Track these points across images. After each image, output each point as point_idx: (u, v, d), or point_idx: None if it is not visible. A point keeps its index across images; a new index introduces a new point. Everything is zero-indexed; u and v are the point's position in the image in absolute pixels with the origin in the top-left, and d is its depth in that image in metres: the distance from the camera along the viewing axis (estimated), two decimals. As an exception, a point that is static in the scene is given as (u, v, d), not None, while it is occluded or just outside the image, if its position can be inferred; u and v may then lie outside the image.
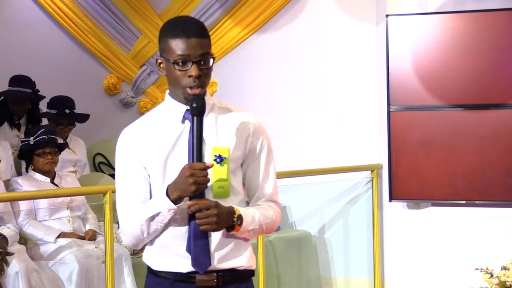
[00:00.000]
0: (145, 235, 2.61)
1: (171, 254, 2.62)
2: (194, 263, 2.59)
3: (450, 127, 6.26)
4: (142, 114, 7.80)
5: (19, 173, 5.87)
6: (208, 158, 2.58)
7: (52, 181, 5.48)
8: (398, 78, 6.44)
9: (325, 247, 6.84)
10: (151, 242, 2.66)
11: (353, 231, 6.75)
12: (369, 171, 6.67)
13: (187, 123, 2.61)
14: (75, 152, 6.34)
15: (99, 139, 7.32)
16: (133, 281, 5.26)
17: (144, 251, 2.71)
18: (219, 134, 2.65)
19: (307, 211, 6.94)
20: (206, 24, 7.35)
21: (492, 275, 5.21)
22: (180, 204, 2.54)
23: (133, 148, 2.65)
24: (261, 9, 7.21)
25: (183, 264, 2.60)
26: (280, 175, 6.48)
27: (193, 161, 2.52)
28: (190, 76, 2.58)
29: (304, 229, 6.88)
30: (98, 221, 5.57)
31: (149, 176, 2.65)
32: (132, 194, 2.65)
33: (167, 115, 2.67)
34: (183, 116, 2.63)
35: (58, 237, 5.27)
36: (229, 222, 2.57)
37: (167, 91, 2.71)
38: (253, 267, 2.73)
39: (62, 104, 6.23)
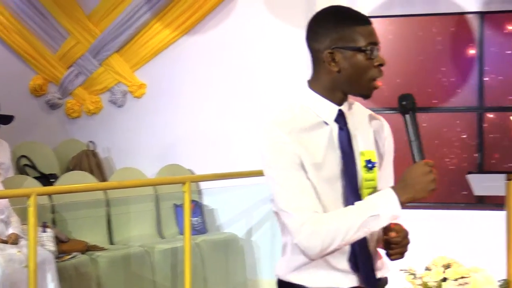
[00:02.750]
0: (344, 241, 2.27)
1: (330, 270, 2.38)
2: (364, 281, 2.38)
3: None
4: (69, 116, 7.70)
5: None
6: (358, 163, 2.38)
7: (-26, 184, 5.35)
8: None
9: (252, 249, 6.85)
10: (296, 256, 2.38)
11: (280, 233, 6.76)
12: (297, 174, 6.68)
13: (334, 125, 2.38)
14: (-1, 154, 6.21)
15: (24, 141, 7.19)
16: (57, 286, 5.18)
17: (283, 267, 2.44)
18: (361, 137, 2.42)
19: (234, 213, 6.94)
20: (136, 25, 7.32)
21: (415, 276, 5.28)
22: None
23: (291, 144, 2.32)
24: (191, 11, 7.18)
25: (345, 280, 2.38)
26: (208, 178, 6.53)
27: (419, 160, 2.29)
28: (378, 65, 2.37)
29: (231, 231, 6.88)
30: (22, 225, 5.46)
31: None
32: (309, 194, 2.30)
33: (317, 113, 2.39)
34: (335, 120, 2.38)
35: (-20, 240, 5.16)
36: None
37: (308, 86, 2.44)
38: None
39: (-15, 105, 6.11)
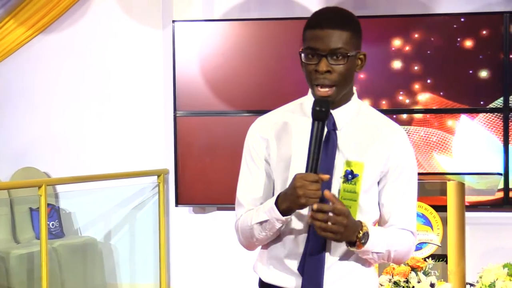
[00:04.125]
0: (254, 239, 2.44)
1: (281, 269, 2.42)
2: (304, 285, 2.34)
3: (235, 132, 6.41)
4: None
5: None
6: (339, 171, 2.32)
7: None
8: (185, 83, 6.51)
9: (111, 253, 6.78)
10: (262, 251, 2.49)
11: (140, 236, 6.74)
12: (156, 176, 6.69)
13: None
14: None
15: None
16: None
17: (256, 261, 2.54)
18: (357, 146, 2.34)
19: (92, 217, 6.85)
20: (-14, 24, 7.09)
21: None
22: (288, 217, 2.30)
23: (261, 142, 2.42)
24: (46, 10, 7.03)
25: (292, 282, 2.38)
26: (65, 181, 6.42)
27: (307, 171, 2.21)
28: (317, 71, 2.29)
29: (89, 235, 6.79)
30: None
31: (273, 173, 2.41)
32: (252, 192, 2.47)
33: (303, 112, 2.42)
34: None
35: None
36: (353, 237, 2.27)
37: None
38: None
39: None
